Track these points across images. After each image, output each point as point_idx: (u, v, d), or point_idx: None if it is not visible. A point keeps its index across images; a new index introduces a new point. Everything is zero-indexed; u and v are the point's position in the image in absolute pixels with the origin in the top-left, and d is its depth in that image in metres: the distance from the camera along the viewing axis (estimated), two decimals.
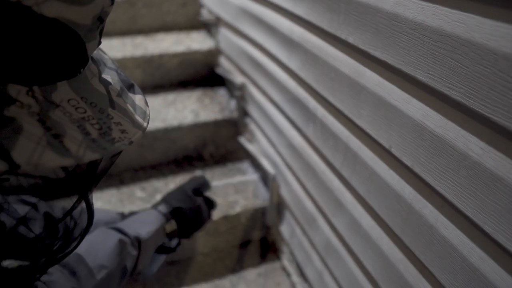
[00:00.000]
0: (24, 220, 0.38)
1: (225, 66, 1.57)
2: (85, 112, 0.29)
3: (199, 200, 0.82)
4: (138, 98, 0.36)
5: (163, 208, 0.76)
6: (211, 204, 0.86)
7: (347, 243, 0.86)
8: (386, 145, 0.67)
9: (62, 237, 0.38)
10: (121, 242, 0.62)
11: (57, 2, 0.25)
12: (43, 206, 0.41)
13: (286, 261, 1.28)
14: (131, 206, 1.21)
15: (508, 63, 0.42)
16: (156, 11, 1.70)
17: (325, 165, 0.93)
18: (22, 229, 0.36)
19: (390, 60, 0.62)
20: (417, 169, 0.60)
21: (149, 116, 0.37)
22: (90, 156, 0.28)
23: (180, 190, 0.81)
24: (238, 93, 1.43)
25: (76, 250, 0.53)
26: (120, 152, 0.34)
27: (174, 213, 0.76)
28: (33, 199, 0.40)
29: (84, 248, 0.55)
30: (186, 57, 1.58)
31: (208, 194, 0.89)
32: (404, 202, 0.64)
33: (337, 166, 0.86)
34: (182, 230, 0.78)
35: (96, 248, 0.60)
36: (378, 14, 0.63)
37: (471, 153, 0.50)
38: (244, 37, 1.32)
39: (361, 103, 0.72)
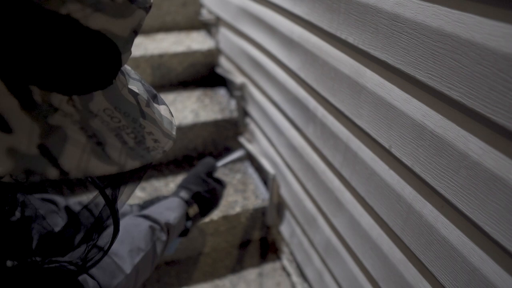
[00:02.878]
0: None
1: (225, 66, 1.57)
2: (120, 121, 0.30)
3: (212, 182, 0.88)
4: (163, 109, 0.37)
5: (184, 195, 0.81)
6: (221, 184, 0.93)
7: (347, 243, 0.86)
8: (386, 145, 0.67)
9: (88, 230, 0.40)
10: (151, 228, 0.65)
11: (102, 15, 0.26)
12: (61, 201, 0.42)
13: (286, 261, 1.28)
14: None
15: (508, 63, 0.42)
16: (156, 11, 1.70)
17: (325, 165, 0.93)
18: (45, 224, 0.37)
19: (390, 60, 0.62)
20: (417, 169, 0.60)
21: (176, 126, 0.38)
22: (131, 164, 0.30)
23: (194, 175, 0.87)
24: (238, 93, 1.43)
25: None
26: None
27: (194, 198, 0.82)
28: (49, 196, 0.41)
29: (121, 232, 0.58)
30: (186, 57, 1.58)
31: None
32: (404, 202, 0.64)
33: (337, 166, 0.86)
34: (202, 211, 0.84)
35: (132, 231, 0.63)
36: (378, 14, 0.63)
37: (471, 153, 0.50)
38: (244, 37, 1.32)
39: (361, 103, 0.72)
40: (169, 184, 1.34)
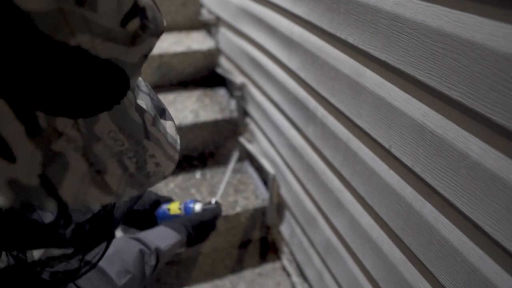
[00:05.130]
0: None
1: (225, 66, 1.57)
2: (123, 145, 0.29)
3: (211, 225, 0.88)
4: (169, 125, 0.36)
5: (183, 236, 0.81)
6: (216, 215, 0.91)
7: (347, 243, 0.86)
8: (386, 145, 0.67)
9: (76, 227, 0.39)
10: (141, 251, 0.66)
11: (112, 44, 0.26)
12: None
13: (286, 261, 1.28)
14: None
15: (508, 63, 0.42)
16: None
17: (325, 165, 0.93)
18: (35, 216, 0.37)
19: (390, 60, 0.62)
20: (417, 169, 0.60)
21: (180, 146, 0.37)
22: (129, 192, 0.29)
23: (199, 221, 0.85)
24: (238, 93, 1.43)
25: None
26: None
27: (188, 241, 0.82)
28: None
29: (111, 251, 0.60)
30: (186, 57, 1.58)
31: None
32: (404, 202, 0.64)
33: (337, 166, 0.86)
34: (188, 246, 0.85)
35: (122, 253, 0.63)
36: (378, 14, 0.63)
37: (471, 153, 0.50)
38: (244, 37, 1.32)
39: (361, 103, 0.72)
40: (169, 184, 1.34)
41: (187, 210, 0.89)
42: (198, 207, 0.89)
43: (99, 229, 0.40)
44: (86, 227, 0.39)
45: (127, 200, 0.83)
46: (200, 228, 0.85)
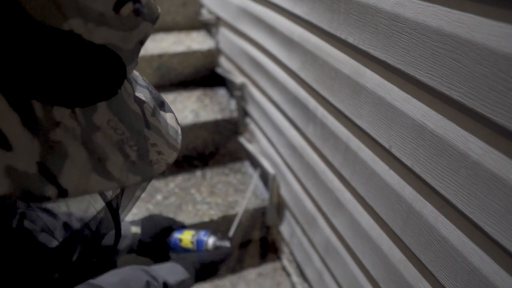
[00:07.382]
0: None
1: (225, 66, 1.57)
2: (123, 133, 0.29)
3: (221, 264, 0.85)
4: (169, 117, 0.36)
5: (191, 273, 0.78)
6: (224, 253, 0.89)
7: (347, 243, 0.86)
8: (386, 145, 0.67)
9: (83, 248, 0.39)
10: (148, 283, 0.65)
11: (106, 29, 0.26)
12: (62, 216, 0.42)
13: (286, 261, 1.28)
14: None
15: (508, 63, 0.42)
16: None
17: (325, 165, 0.93)
18: (43, 237, 0.36)
19: (390, 60, 0.62)
20: (417, 169, 0.60)
21: (181, 136, 0.37)
22: (132, 179, 0.29)
23: (209, 261, 0.83)
24: (238, 93, 1.43)
25: (112, 279, 0.57)
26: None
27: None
28: (49, 207, 0.40)
29: (118, 279, 0.61)
30: (186, 57, 1.59)
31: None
32: (404, 202, 0.64)
33: (337, 166, 0.86)
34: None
35: (129, 282, 0.63)
36: (378, 14, 0.63)
37: (471, 153, 0.50)
38: (244, 37, 1.32)
39: (361, 103, 0.72)
40: (169, 184, 1.34)
41: (200, 244, 0.85)
42: (211, 242, 0.85)
43: (102, 254, 0.40)
44: (87, 233, 0.39)
45: (137, 234, 0.82)
46: (209, 267, 0.82)
